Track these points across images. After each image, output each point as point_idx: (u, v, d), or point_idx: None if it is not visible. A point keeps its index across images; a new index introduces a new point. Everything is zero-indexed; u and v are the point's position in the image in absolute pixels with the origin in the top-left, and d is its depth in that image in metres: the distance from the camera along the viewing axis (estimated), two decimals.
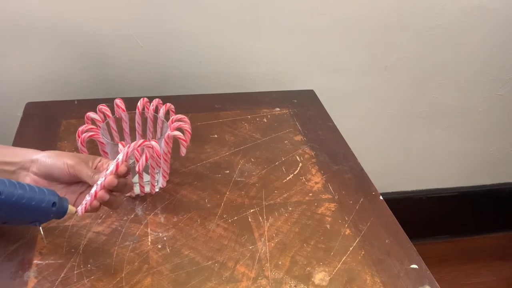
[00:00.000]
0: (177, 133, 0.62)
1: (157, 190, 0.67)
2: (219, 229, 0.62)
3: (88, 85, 0.94)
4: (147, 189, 0.66)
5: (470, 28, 1.04)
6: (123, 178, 0.52)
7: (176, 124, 0.64)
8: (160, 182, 0.68)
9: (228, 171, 0.72)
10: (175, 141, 0.64)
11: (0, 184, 0.45)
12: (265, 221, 0.63)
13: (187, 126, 0.64)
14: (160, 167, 0.65)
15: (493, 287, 1.37)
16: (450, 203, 1.41)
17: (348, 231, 0.63)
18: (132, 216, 0.63)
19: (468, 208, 1.44)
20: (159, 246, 0.59)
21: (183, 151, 0.64)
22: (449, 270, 1.40)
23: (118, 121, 0.68)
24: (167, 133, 0.63)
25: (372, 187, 0.71)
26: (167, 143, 0.63)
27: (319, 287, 0.55)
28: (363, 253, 0.60)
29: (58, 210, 0.49)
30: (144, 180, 0.64)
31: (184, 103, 0.87)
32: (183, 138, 0.63)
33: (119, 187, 0.51)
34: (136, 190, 0.65)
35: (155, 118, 0.68)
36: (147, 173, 0.65)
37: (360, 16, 0.97)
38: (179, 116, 0.65)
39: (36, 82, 0.88)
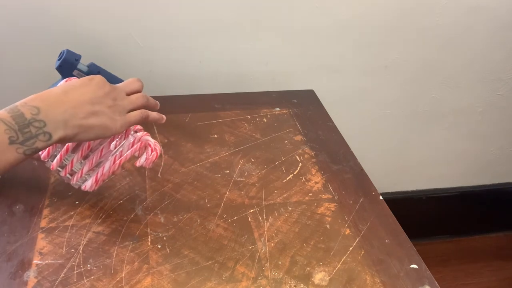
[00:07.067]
0: (149, 138, 0.59)
1: (80, 184, 0.60)
2: (219, 229, 0.62)
3: None
4: (63, 173, 0.59)
5: (470, 28, 1.04)
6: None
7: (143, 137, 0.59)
8: (89, 183, 0.59)
9: (228, 171, 0.72)
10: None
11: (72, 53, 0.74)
12: (265, 221, 0.63)
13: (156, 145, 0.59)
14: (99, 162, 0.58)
15: (493, 287, 1.37)
16: (450, 203, 1.41)
17: (348, 231, 0.63)
18: (132, 216, 0.63)
19: (468, 208, 1.44)
20: (159, 246, 0.59)
21: (142, 162, 0.58)
22: (449, 270, 1.40)
23: None
24: (136, 134, 0.58)
25: (372, 187, 0.71)
26: (132, 145, 0.58)
27: (319, 287, 0.55)
28: (363, 253, 0.60)
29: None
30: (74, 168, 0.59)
31: (184, 103, 0.88)
32: (152, 147, 0.58)
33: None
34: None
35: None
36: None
37: (360, 16, 0.97)
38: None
39: (36, 81, 0.88)
